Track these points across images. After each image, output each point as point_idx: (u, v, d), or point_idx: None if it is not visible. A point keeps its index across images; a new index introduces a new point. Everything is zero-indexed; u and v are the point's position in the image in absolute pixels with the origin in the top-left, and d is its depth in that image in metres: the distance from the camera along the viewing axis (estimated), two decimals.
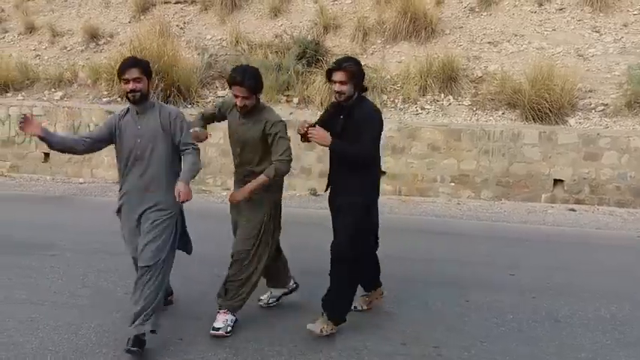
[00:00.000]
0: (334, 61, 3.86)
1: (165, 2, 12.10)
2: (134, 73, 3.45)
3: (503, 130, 8.14)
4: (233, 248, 3.95)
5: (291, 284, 4.42)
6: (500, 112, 8.67)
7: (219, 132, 8.89)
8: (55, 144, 3.52)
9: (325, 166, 8.33)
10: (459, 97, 9.00)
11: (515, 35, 9.88)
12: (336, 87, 3.69)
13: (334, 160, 3.91)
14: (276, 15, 11.29)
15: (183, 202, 3.43)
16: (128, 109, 3.63)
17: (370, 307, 4.28)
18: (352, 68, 3.67)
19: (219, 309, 3.87)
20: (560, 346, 3.76)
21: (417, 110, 8.84)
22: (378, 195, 4.01)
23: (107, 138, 3.64)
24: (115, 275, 4.81)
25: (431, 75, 9.11)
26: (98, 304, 4.21)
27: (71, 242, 5.67)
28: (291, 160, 3.85)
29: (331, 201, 3.99)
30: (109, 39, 11.48)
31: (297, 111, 9.03)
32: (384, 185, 8.28)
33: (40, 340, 3.63)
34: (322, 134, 3.71)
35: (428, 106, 8.89)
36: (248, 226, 3.89)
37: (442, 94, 9.05)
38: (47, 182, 9.16)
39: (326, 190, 4.09)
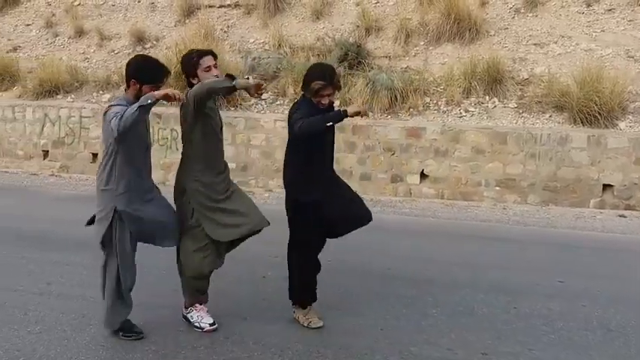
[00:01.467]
0: (323, 72, 3.84)
1: (210, 6, 12.28)
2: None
3: (550, 134, 7.95)
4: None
5: None
6: (547, 115, 8.48)
7: (261, 134, 8.99)
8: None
9: (366, 168, 8.37)
10: (505, 100, 8.84)
11: (563, 36, 9.64)
12: (325, 100, 3.79)
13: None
14: (318, 18, 11.32)
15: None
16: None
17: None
18: (339, 84, 3.93)
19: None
20: (614, 356, 3.64)
21: (460, 113, 8.72)
22: None
23: None
24: (163, 272, 4.89)
25: (475, 77, 8.97)
26: (145, 302, 4.29)
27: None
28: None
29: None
30: (154, 42, 11.73)
31: None
32: (426, 189, 8.23)
33: (91, 336, 3.73)
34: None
35: (472, 109, 8.76)
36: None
37: (487, 97, 8.91)
38: (95, 182, 9.39)
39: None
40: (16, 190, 8.62)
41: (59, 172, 9.90)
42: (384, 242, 6.09)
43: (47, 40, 12.69)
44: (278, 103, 9.54)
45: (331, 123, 3.72)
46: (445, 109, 8.82)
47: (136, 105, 3.20)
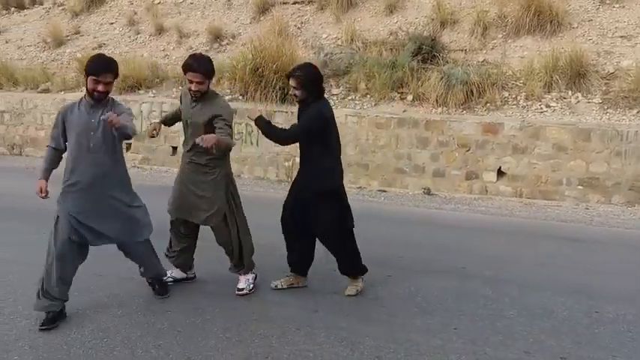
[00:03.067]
0: (292, 68, 4.39)
1: (284, 3, 12.43)
2: (109, 77, 3.69)
3: (638, 131, 7.48)
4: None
5: (190, 273, 4.62)
6: (634, 111, 7.98)
7: None
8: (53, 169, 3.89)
9: (440, 164, 8.20)
10: (589, 95, 8.40)
11: None
12: (292, 91, 4.27)
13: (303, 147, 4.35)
14: (391, 12, 11.20)
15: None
16: (78, 102, 3.80)
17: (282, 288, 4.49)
18: (301, 77, 4.15)
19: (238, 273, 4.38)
20: None
21: (541, 108, 8.35)
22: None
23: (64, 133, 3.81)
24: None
25: (557, 71, 8.58)
26: (220, 291, 4.40)
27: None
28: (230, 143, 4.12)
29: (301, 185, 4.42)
30: (231, 39, 12.00)
31: (411, 108, 8.90)
32: (503, 187, 7.96)
33: (170, 322, 3.86)
34: (254, 112, 4.35)
35: (553, 104, 8.37)
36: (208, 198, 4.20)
37: (569, 91, 8.49)
38: (174, 174, 9.73)
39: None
40: None
41: (141, 164, 10.33)
42: (459, 240, 5.96)
43: (129, 37, 13.27)
44: (349, 98, 9.51)
45: None
46: (525, 104, 8.49)
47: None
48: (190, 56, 4.09)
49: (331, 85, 9.88)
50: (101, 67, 3.67)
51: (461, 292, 4.48)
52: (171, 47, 12.42)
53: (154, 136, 4.40)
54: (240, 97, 9.90)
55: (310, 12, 12.08)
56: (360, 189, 8.53)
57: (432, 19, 10.39)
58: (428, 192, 8.16)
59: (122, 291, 4.32)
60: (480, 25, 9.86)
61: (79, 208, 3.73)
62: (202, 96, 4.06)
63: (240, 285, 4.32)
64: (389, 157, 8.58)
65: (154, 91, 10.89)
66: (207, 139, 3.72)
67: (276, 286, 4.47)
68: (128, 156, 10.60)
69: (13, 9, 16.75)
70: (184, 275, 4.54)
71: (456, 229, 6.39)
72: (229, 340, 3.62)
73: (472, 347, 3.60)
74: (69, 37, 13.91)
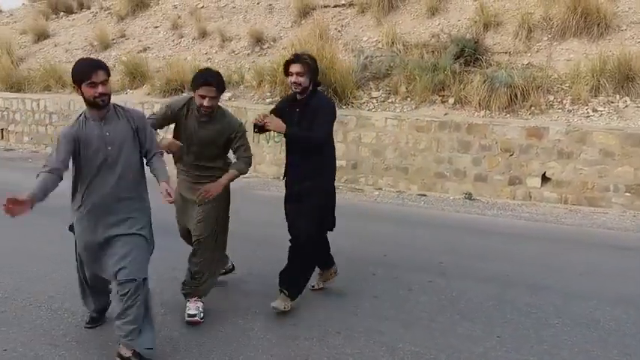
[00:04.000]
0: (292, 54, 4.10)
1: (325, 6, 12.47)
2: (102, 75, 3.15)
3: None
4: (195, 232, 4.02)
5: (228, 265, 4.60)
6: None
7: (372, 132, 8.97)
8: (44, 197, 3.04)
9: (482, 169, 8.07)
10: (637, 99, 8.11)
11: None
12: (293, 78, 3.92)
13: (295, 148, 4.11)
14: (433, 14, 11.11)
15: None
16: (84, 118, 3.25)
17: (323, 287, 4.49)
18: (308, 61, 3.93)
19: (188, 297, 3.99)
20: None
21: (587, 112, 8.13)
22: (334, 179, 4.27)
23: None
24: (277, 265, 5.03)
25: (604, 74, 8.33)
26: (261, 291, 4.43)
27: (239, 231, 6.02)
28: (251, 160, 4.16)
29: (291, 187, 4.19)
30: (272, 43, 12.11)
31: (453, 112, 8.79)
32: (548, 193, 7.77)
33: (211, 321, 3.90)
34: (277, 122, 3.94)
35: (600, 108, 8.13)
36: (207, 213, 4.00)
37: (617, 96, 8.23)
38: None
39: (283, 178, 4.30)
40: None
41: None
42: (501, 247, 5.85)
43: (173, 41, 13.54)
44: (390, 101, 9.46)
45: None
46: (570, 108, 8.27)
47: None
48: (204, 71, 3.90)
49: (371, 88, 9.86)
50: (92, 67, 3.15)
51: (503, 300, 4.40)
52: (214, 51, 12.61)
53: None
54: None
55: (351, 15, 12.08)
56: (399, 193, 8.46)
57: (475, 22, 10.25)
58: (469, 197, 8.04)
59: (165, 289, 4.38)
60: (524, 27, 9.68)
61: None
62: (212, 112, 3.88)
63: (192, 312, 3.89)
64: (429, 161, 8.50)
65: None
66: (212, 192, 3.86)
67: (313, 286, 4.45)
68: (171, 157, 10.81)
69: (62, 13, 17.35)
70: (223, 270, 4.51)
71: (498, 235, 6.27)
72: (269, 341, 3.64)
73: (516, 356, 3.52)
74: (115, 41, 14.30)
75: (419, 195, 8.32)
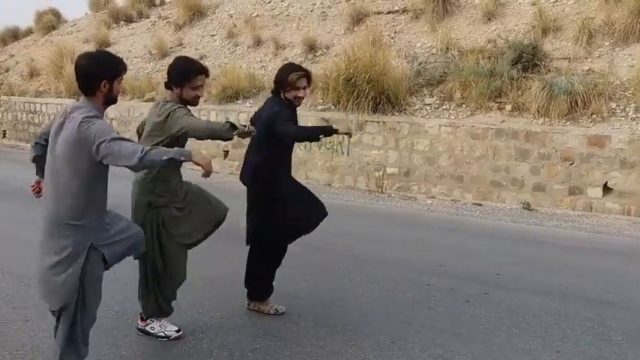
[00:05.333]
0: (297, 67, 4.03)
1: (378, 13, 12.46)
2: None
3: None
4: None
5: None
6: None
7: (425, 139, 8.88)
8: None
9: (540, 178, 7.85)
10: None
11: None
12: (301, 93, 3.90)
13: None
14: (489, 19, 10.92)
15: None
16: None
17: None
18: (310, 77, 3.95)
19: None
20: None
21: None
22: None
23: None
24: (330, 271, 5.04)
25: None
26: (316, 298, 4.44)
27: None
28: None
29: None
30: (325, 50, 12.18)
31: (510, 119, 8.60)
32: (610, 203, 7.48)
33: (266, 327, 3.93)
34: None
35: None
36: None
37: None
38: None
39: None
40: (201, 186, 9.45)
41: (237, 170, 10.67)
42: (561, 258, 5.68)
43: (229, 49, 13.82)
44: (444, 107, 9.35)
45: (322, 136, 3.96)
46: (634, 115, 7.95)
47: (170, 154, 2.71)
48: (191, 60, 3.62)
49: (424, 95, 9.76)
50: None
51: (563, 313, 4.25)
52: (268, 59, 12.79)
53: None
54: (333, 107, 10.00)
55: (404, 21, 12.03)
56: (453, 202, 8.34)
57: (533, 27, 10.02)
58: (527, 207, 7.83)
59: (222, 293, 4.45)
60: (585, 32, 9.39)
61: None
62: None
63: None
64: (485, 169, 8.34)
65: (250, 101, 11.26)
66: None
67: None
68: (225, 163, 11.03)
69: (122, 22, 17.99)
70: None
71: (558, 247, 6.08)
72: (323, 348, 3.64)
73: None
74: (172, 49, 14.72)
75: (474, 204, 8.17)
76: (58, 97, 14.44)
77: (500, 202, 8.17)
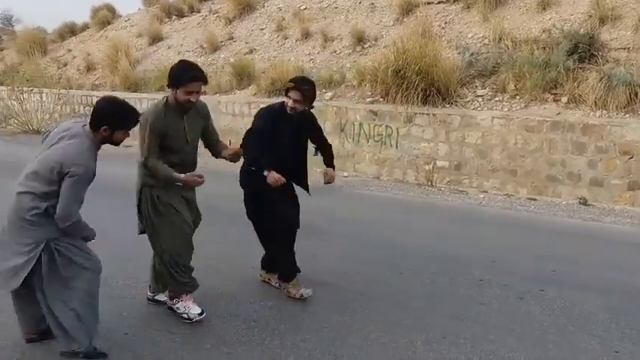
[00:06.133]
0: (295, 79, 4.29)
1: (428, 3, 12.27)
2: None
3: None
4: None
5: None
6: None
7: (477, 132, 8.70)
8: None
9: (598, 172, 7.57)
10: None
11: None
12: (290, 103, 4.10)
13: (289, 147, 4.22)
14: (544, 8, 10.58)
15: None
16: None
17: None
18: (309, 93, 4.12)
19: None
20: None
21: None
22: None
23: None
24: (380, 265, 5.02)
25: None
26: (366, 291, 4.43)
27: (341, 230, 6.11)
28: None
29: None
30: (373, 42, 12.09)
31: (566, 111, 8.32)
32: None
33: (316, 318, 3.94)
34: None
35: None
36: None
37: None
38: (317, 174, 9.99)
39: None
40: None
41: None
42: (620, 256, 5.48)
43: (278, 42, 13.90)
44: (496, 99, 9.13)
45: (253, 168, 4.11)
46: None
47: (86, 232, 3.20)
48: (186, 66, 3.74)
49: (476, 86, 9.56)
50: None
51: (622, 312, 4.11)
52: (316, 51, 12.79)
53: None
54: (381, 100, 9.92)
55: (455, 11, 11.80)
56: (507, 196, 8.15)
57: (590, 16, 9.65)
58: (584, 202, 7.57)
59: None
60: None
61: None
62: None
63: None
64: (540, 163, 8.11)
65: None
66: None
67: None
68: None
69: (174, 17, 18.35)
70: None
71: (616, 244, 5.87)
72: (374, 341, 3.63)
73: None
74: (223, 43, 14.92)
75: (528, 199, 7.97)
76: (113, 90, 14.87)
77: (555, 197, 7.93)
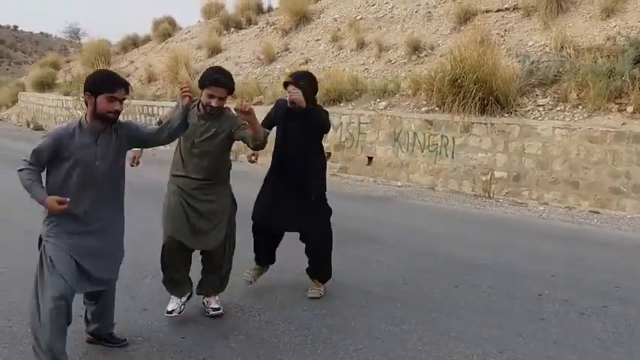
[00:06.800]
0: (293, 74, 4.40)
1: (487, 11, 12.07)
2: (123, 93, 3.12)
3: None
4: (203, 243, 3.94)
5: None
6: None
7: (537, 142, 8.46)
8: None
9: None
10: None
11: None
12: (289, 97, 4.12)
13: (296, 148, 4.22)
14: (608, 15, 10.22)
15: None
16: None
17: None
18: (304, 89, 4.11)
19: (208, 296, 4.07)
20: None
21: None
22: None
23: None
24: (434, 276, 4.95)
25: None
26: (418, 303, 4.37)
27: (394, 240, 6.05)
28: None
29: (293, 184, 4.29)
30: (429, 51, 11.99)
31: (632, 121, 7.98)
32: None
33: (369, 327, 3.92)
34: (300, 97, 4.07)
35: None
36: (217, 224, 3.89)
37: None
38: (370, 183, 10.05)
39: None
40: None
41: (339, 172, 10.77)
42: None
43: (333, 52, 13.99)
44: (558, 109, 8.85)
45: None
46: None
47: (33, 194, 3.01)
48: (215, 69, 3.80)
49: (537, 95, 9.32)
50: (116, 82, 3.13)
51: None
52: (371, 61, 12.80)
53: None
54: (437, 109, 9.80)
55: (515, 19, 11.57)
56: (568, 209, 7.88)
57: None
58: None
59: (328, 291, 4.50)
60: None
61: None
62: (214, 113, 3.76)
63: (215, 305, 4.04)
64: (603, 175, 7.80)
65: (352, 103, 11.32)
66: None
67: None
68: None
69: (232, 29, 18.80)
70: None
71: None
72: (428, 353, 3.57)
73: None
74: (279, 54, 15.15)
75: (591, 212, 7.68)
76: (173, 101, 15.33)
77: (619, 210, 7.60)
